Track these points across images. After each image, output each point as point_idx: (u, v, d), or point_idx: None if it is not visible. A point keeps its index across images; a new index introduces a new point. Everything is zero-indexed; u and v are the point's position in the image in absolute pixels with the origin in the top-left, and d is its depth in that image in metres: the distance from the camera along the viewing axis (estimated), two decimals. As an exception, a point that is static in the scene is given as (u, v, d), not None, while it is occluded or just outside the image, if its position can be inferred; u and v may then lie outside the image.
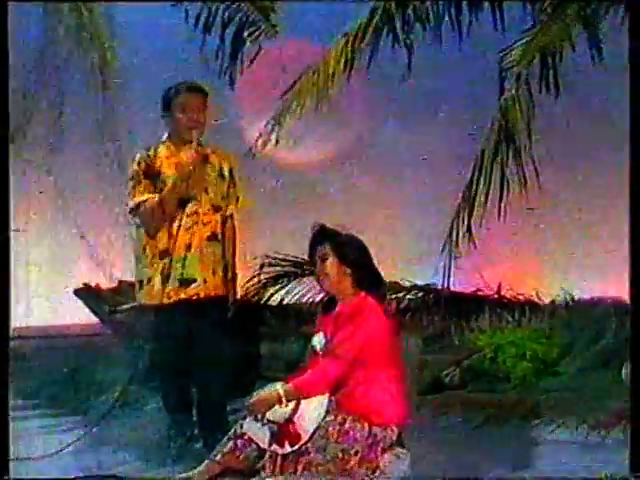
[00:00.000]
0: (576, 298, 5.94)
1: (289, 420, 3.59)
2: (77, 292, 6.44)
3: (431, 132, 6.20)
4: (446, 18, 5.80)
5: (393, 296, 5.75)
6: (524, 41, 5.30)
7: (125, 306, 6.08)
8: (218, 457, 3.75)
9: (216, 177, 4.44)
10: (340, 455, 3.57)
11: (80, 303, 6.42)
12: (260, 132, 5.94)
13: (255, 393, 3.70)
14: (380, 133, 6.44)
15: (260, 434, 3.65)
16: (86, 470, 4.15)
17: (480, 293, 6.03)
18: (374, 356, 3.70)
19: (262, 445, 3.64)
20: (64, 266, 6.58)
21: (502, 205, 5.09)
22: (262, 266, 5.84)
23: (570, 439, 4.53)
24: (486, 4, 5.72)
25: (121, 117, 6.50)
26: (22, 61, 6.39)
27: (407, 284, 5.96)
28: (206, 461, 3.79)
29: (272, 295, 5.95)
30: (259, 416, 3.65)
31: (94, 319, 6.48)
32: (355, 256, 3.78)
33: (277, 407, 3.61)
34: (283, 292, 5.95)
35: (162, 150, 4.44)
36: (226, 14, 6.12)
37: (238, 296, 4.56)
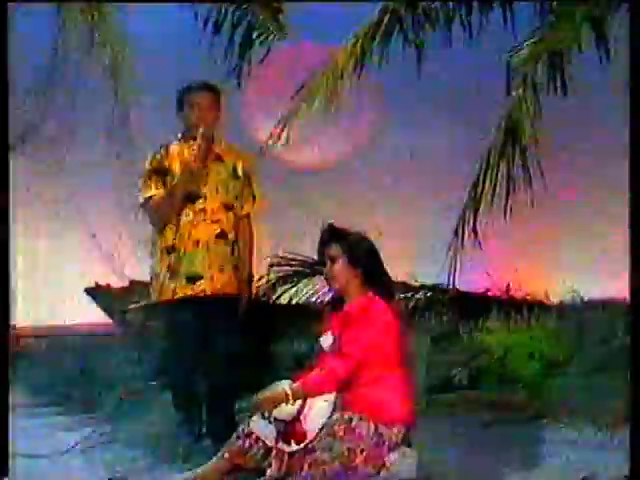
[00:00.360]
0: (585, 299, 5.92)
1: (296, 418, 3.62)
2: (88, 291, 6.50)
3: (440, 131, 6.21)
4: (456, 18, 5.78)
5: (402, 296, 5.74)
6: (532, 41, 5.30)
7: (135, 305, 6.14)
8: (226, 455, 3.79)
9: (229, 176, 4.46)
10: (346, 453, 3.59)
11: (91, 302, 6.48)
12: (270, 132, 5.95)
13: (262, 391, 3.74)
14: (389, 133, 6.45)
15: (267, 432, 3.68)
16: (95, 468, 4.19)
17: (489, 293, 6.02)
18: (381, 356, 3.72)
19: (269, 443, 3.68)
20: (75, 265, 6.62)
21: (508, 205, 5.09)
22: (271, 265, 5.85)
23: (577, 439, 4.50)
24: (496, 4, 5.71)
25: (132, 118, 6.54)
26: (35, 62, 6.45)
27: (416, 284, 5.95)
28: (214, 459, 3.82)
29: (281, 295, 5.96)
30: (266, 414, 3.68)
31: (105, 318, 6.52)
32: (364, 257, 3.80)
33: (284, 405, 3.64)
34: (292, 291, 5.96)
35: (174, 147, 4.48)
36: (235, 15, 6.15)
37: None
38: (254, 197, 4.54)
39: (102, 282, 6.56)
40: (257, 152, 5.83)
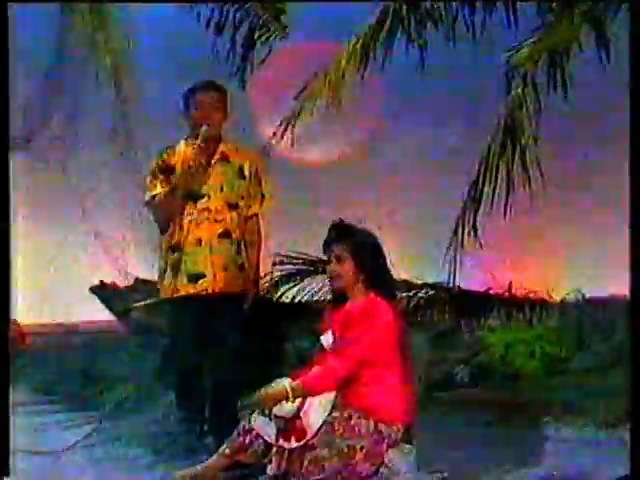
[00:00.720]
0: (587, 297, 5.93)
1: (296, 416, 3.64)
2: (93, 289, 6.54)
3: (442, 130, 6.23)
4: (459, 18, 5.79)
5: (404, 294, 5.75)
6: (532, 41, 5.30)
7: (140, 303, 6.18)
8: (227, 451, 3.81)
9: (234, 175, 4.47)
10: (346, 450, 3.61)
11: (96, 300, 6.52)
12: (274, 132, 5.97)
13: (263, 388, 3.76)
14: (392, 132, 6.47)
15: (267, 429, 3.70)
16: (98, 463, 4.23)
17: (491, 291, 6.02)
18: (382, 356, 3.74)
19: (269, 440, 3.69)
20: (79, 264, 6.66)
21: (508, 203, 5.09)
22: (274, 264, 5.86)
23: (577, 437, 4.51)
24: (499, 3, 5.71)
25: (135, 118, 6.58)
26: (39, 64, 6.50)
27: (418, 282, 5.96)
28: (215, 455, 3.85)
29: (284, 293, 5.97)
30: (266, 411, 3.70)
31: (109, 316, 6.56)
32: (370, 260, 3.79)
33: (284, 403, 3.66)
34: (295, 290, 5.97)
35: (180, 147, 4.50)
36: (237, 16, 6.17)
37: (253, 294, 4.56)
38: (262, 197, 4.55)
39: (107, 281, 6.60)
40: (261, 151, 5.85)
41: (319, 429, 3.62)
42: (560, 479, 3.84)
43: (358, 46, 5.74)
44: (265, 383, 3.79)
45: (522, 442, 4.45)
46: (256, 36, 6.16)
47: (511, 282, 5.99)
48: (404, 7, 5.73)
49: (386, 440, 3.67)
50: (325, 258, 3.97)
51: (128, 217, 6.49)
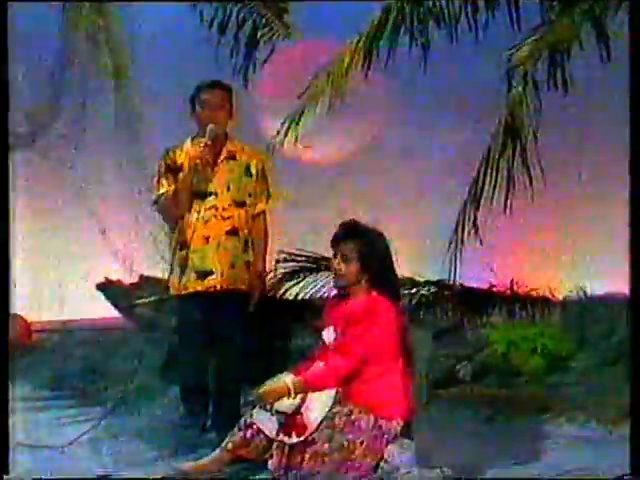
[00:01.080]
0: (589, 294, 5.93)
1: (296, 411, 3.68)
2: (99, 286, 6.57)
3: (444, 128, 6.24)
4: (462, 16, 5.80)
5: (406, 291, 5.77)
6: (532, 39, 5.31)
7: (145, 300, 6.21)
8: (229, 446, 3.85)
9: (241, 174, 4.50)
10: (346, 444, 3.65)
11: (101, 297, 6.55)
12: (277, 131, 6.00)
13: (265, 384, 3.80)
14: (395, 131, 6.48)
15: (268, 424, 3.74)
16: (101, 458, 4.25)
17: (493, 289, 6.04)
18: (383, 354, 3.78)
19: (270, 435, 3.73)
20: (85, 261, 6.69)
21: (509, 201, 5.11)
22: (277, 261, 5.88)
23: (579, 434, 4.52)
24: (502, 2, 5.72)
25: (141, 116, 6.61)
26: (45, 62, 6.53)
27: (421, 279, 5.98)
28: (217, 450, 3.90)
29: (288, 290, 5.99)
30: (267, 406, 3.74)
31: (115, 313, 6.59)
32: (377, 263, 3.81)
33: (285, 398, 3.70)
34: (299, 287, 5.99)
35: (187, 146, 4.53)
36: (240, 15, 6.20)
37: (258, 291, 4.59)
38: (269, 195, 4.59)
39: (112, 278, 6.63)
40: (265, 149, 5.88)
41: (319, 424, 3.66)
42: (561, 475, 3.83)
43: (361, 45, 5.77)
44: (268, 379, 3.83)
45: (523, 438, 4.45)
46: (259, 35, 6.18)
47: (513, 280, 6.00)
48: (407, 5, 5.75)
49: (386, 435, 3.70)
50: (328, 255, 4.01)
51: (133, 214, 6.52)
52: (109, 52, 6.29)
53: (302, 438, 3.66)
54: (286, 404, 3.70)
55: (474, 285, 5.96)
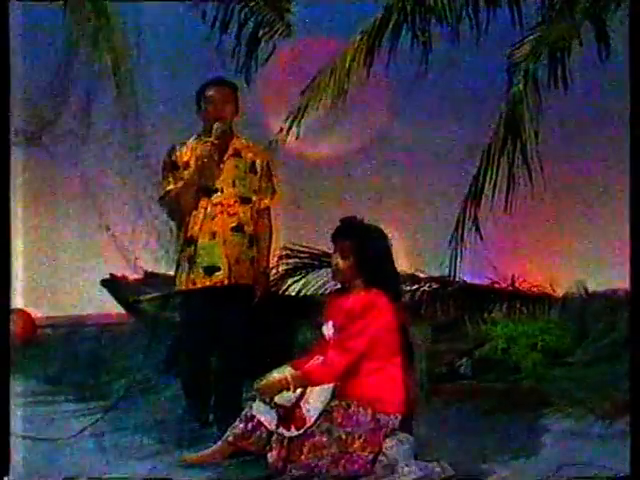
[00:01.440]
0: (589, 290, 5.94)
1: (296, 404, 3.72)
2: (104, 282, 6.60)
3: (445, 126, 6.25)
4: (463, 15, 5.82)
5: (408, 288, 5.80)
6: (533, 37, 5.33)
7: (149, 295, 6.25)
8: (230, 438, 3.91)
9: (246, 170, 4.53)
10: (344, 438, 3.70)
11: (106, 293, 6.58)
12: (280, 128, 6.02)
13: (264, 377, 3.85)
14: (396, 128, 6.50)
15: (268, 417, 3.79)
16: (104, 451, 4.30)
17: (494, 285, 6.05)
18: (382, 349, 3.82)
19: (269, 427, 3.78)
20: (90, 257, 6.72)
21: (509, 198, 5.13)
22: (280, 257, 5.91)
23: (578, 429, 4.53)
24: (503, 1, 5.73)
25: (144, 113, 6.64)
26: (50, 59, 6.56)
27: (422, 276, 6.00)
28: (219, 442, 3.95)
29: (290, 286, 6.02)
30: (267, 399, 3.79)
31: (119, 308, 6.63)
32: (373, 260, 3.84)
33: (285, 392, 3.75)
34: (301, 283, 6.01)
35: (192, 143, 4.56)
36: (242, 14, 6.23)
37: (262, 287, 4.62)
38: (274, 192, 4.62)
39: (117, 274, 6.67)
40: (268, 146, 5.91)
41: (318, 418, 3.70)
42: (560, 470, 3.85)
43: (364, 42, 5.79)
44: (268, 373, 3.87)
45: (523, 433, 4.46)
46: (261, 34, 6.20)
47: (514, 276, 6.02)
48: (408, 4, 5.77)
49: (384, 429, 3.75)
50: (330, 252, 4.04)
51: (138, 210, 6.57)
52: (112, 50, 6.31)
53: (301, 431, 3.70)
54: (285, 397, 3.74)
55: (475, 281, 5.98)
